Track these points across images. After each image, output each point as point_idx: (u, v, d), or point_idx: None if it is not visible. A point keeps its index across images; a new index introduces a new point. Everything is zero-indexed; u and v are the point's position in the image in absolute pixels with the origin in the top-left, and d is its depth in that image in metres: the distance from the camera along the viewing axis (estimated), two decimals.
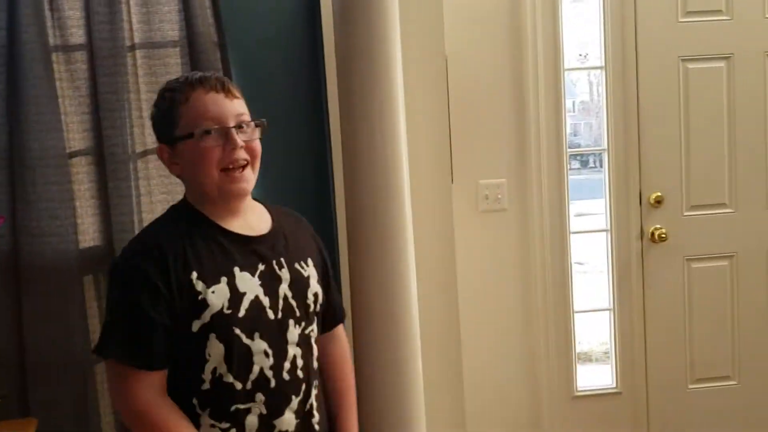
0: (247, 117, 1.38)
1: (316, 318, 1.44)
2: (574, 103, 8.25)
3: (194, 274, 1.31)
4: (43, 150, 2.30)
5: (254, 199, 1.47)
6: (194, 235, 1.35)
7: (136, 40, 2.38)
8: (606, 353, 3.85)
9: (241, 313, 1.32)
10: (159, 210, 2.40)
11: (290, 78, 2.53)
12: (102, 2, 2.34)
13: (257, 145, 1.37)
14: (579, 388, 3.03)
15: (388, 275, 2.05)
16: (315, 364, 1.43)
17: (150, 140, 2.40)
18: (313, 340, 1.42)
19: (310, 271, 1.43)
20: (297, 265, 1.41)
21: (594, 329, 3.79)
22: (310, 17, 2.51)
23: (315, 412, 1.41)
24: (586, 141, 8.07)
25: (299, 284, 1.40)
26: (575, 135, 8.22)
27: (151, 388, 1.31)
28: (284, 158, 2.51)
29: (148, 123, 2.37)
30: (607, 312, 3.10)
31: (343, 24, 2.15)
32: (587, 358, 4.42)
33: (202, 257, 1.33)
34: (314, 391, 1.42)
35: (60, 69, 2.36)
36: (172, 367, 1.33)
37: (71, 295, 2.31)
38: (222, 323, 1.31)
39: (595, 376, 3.87)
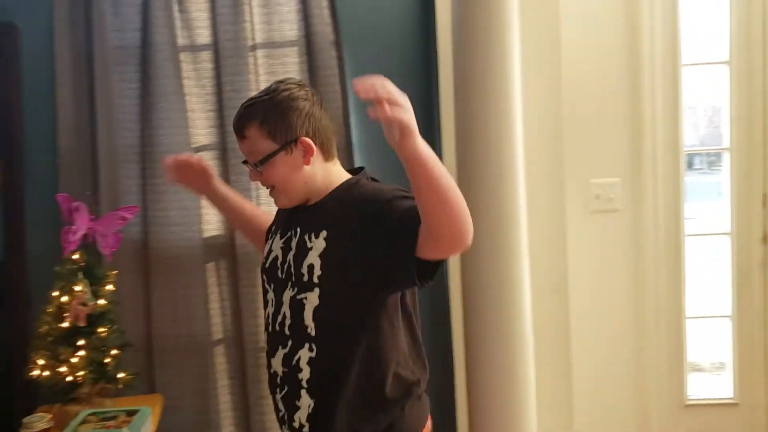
0: (253, 156, 1.53)
1: (318, 289, 1.46)
2: None
3: (272, 228, 1.71)
4: (171, 145, 2.44)
5: (353, 171, 1.61)
6: None
7: (258, 40, 2.49)
8: (716, 362, 3.68)
9: (267, 265, 1.61)
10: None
11: (404, 76, 2.56)
12: (226, 3, 2.46)
13: (268, 176, 1.53)
14: (690, 397, 2.92)
15: (500, 276, 2.03)
16: (310, 330, 1.47)
17: None
18: (307, 307, 1.47)
19: (315, 243, 1.48)
20: (306, 237, 1.51)
21: (706, 337, 3.63)
22: (425, 16, 2.54)
23: (303, 368, 1.49)
24: (690, 140, 7.65)
25: (300, 255, 1.50)
26: None
27: None
28: (394, 158, 2.55)
29: None
30: (724, 319, 2.96)
31: (461, 22, 2.16)
32: (697, 367, 4.24)
33: (280, 219, 1.67)
34: (305, 352, 1.48)
35: (187, 68, 2.50)
36: None
37: (195, 280, 2.45)
38: (262, 268, 1.64)
39: (706, 385, 3.70)
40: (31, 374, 2.16)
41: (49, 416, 2.07)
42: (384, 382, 1.48)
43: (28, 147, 2.47)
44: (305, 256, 1.49)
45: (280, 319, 1.53)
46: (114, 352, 2.21)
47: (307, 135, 1.50)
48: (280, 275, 1.55)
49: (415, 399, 1.53)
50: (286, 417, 1.54)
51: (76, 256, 2.21)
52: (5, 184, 2.37)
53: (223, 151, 2.48)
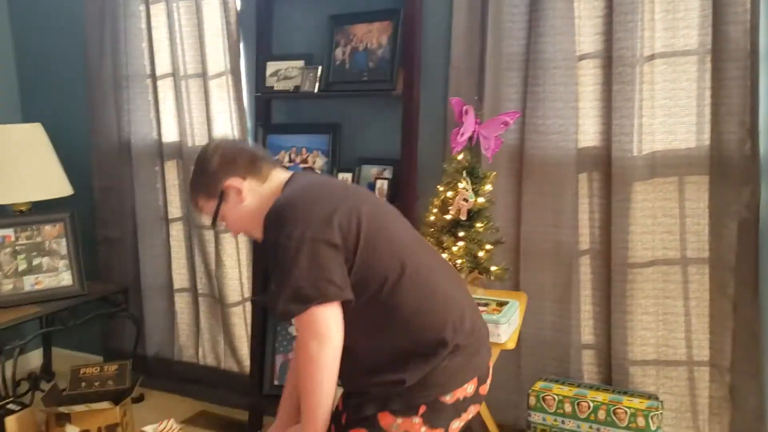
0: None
1: None
2: None
3: None
4: (555, 52, 2.45)
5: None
6: None
7: None
8: None
9: None
10: (659, 115, 2.36)
11: None
12: None
13: (229, 226, 1.79)
14: None
15: None
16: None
17: (658, 44, 2.35)
18: None
19: None
20: None
21: None
22: None
23: None
24: None
25: None
26: None
27: None
28: None
29: (659, 26, 2.34)
30: None
31: None
32: None
33: None
34: None
35: None
36: None
37: (567, 189, 2.48)
38: None
39: None
40: None
41: None
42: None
43: (425, 54, 2.71)
44: None
45: None
46: (488, 246, 2.38)
47: (227, 178, 1.71)
48: None
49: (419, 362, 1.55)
50: None
51: (461, 156, 2.40)
52: (404, 89, 2.64)
53: (607, 59, 2.40)
